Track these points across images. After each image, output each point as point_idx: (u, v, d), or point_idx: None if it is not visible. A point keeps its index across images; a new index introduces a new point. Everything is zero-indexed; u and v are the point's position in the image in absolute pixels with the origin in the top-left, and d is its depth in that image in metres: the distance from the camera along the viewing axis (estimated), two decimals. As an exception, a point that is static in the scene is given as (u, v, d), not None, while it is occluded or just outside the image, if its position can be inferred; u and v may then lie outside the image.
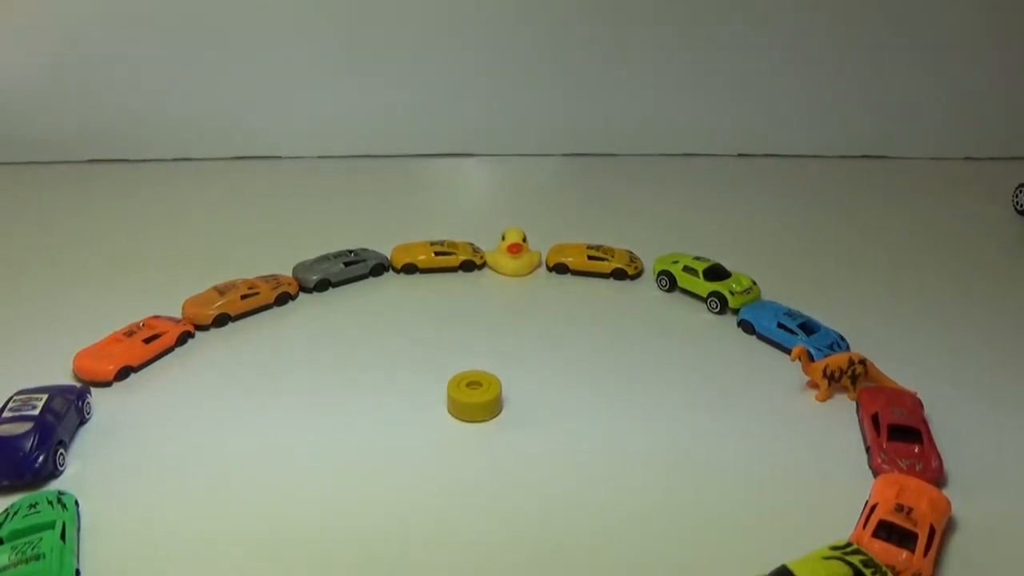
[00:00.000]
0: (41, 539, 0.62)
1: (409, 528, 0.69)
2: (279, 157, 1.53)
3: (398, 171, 1.50)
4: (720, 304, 1.02)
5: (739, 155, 1.59)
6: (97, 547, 0.65)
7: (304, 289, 1.06)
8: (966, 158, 1.60)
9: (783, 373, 0.89)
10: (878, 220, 1.33)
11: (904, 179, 1.51)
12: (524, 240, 1.12)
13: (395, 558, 0.66)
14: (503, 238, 1.12)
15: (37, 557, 0.61)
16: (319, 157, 1.54)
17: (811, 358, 0.87)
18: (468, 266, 1.12)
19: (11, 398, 0.78)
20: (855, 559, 0.60)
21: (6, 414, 0.75)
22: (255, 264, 1.07)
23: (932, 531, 0.64)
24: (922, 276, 1.14)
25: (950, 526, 0.69)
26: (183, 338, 0.93)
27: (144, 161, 1.49)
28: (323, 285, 1.06)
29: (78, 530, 0.66)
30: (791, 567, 0.59)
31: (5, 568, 0.60)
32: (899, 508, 0.65)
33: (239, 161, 1.51)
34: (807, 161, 1.57)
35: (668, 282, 1.07)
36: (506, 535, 0.68)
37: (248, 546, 0.67)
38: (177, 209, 1.32)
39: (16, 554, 0.61)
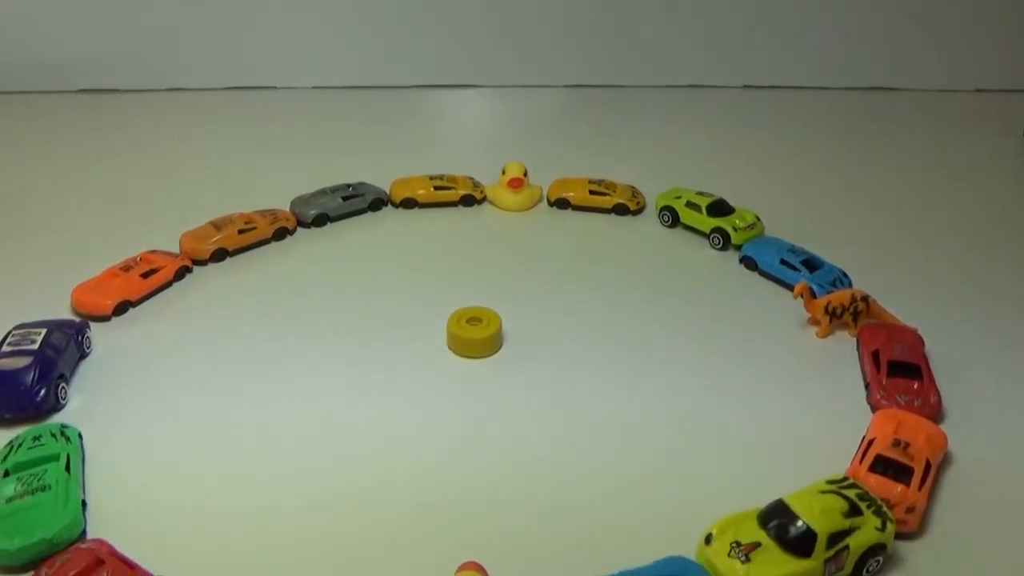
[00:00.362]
0: (46, 471, 0.63)
1: (407, 462, 0.69)
2: (274, 88, 1.49)
3: (396, 103, 1.47)
4: (723, 240, 1.01)
5: (744, 87, 1.55)
6: (102, 478, 0.66)
7: (302, 224, 1.04)
8: (976, 90, 1.56)
9: (785, 310, 0.88)
10: (885, 154, 1.31)
11: (913, 111, 1.48)
12: (525, 174, 1.10)
13: (392, 490, 0.67)
14: (504, 172, 1.11)
15: (43, 488, 0.61)
16: (315, 88, 1.50)
17: (813, 295, 0.86)
18: (468, 201, 1.11)
19: (9, 332, 0.78)
20: (851, 493, 0.61)
21: (5, 348, 0.75)
22: (252, 198, 1.05)
23: (928, 465, 0.65)
24: (929, 211, 1.13)
25: (946, 460, 0.69)
26: (181, 273, 0.93)
27: (136, 91, 1.45)
28: (321, 220, 1.05)
29: (82, 462, 0.67)
30: (788, 500, 0.59)
31: (12, 499, 0.60)
32: (896, 443, 0.66)
33: (233, 92, 1.47)
34: (814, 93, 1.54)
35: (670, 218, 1.06)
36: (505, 470, 0.69)
37: (247, 474, 0.67)
38: (171, 141, 1.30)
39: (22, 485, 0.61)
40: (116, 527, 0.62)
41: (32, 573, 0.56)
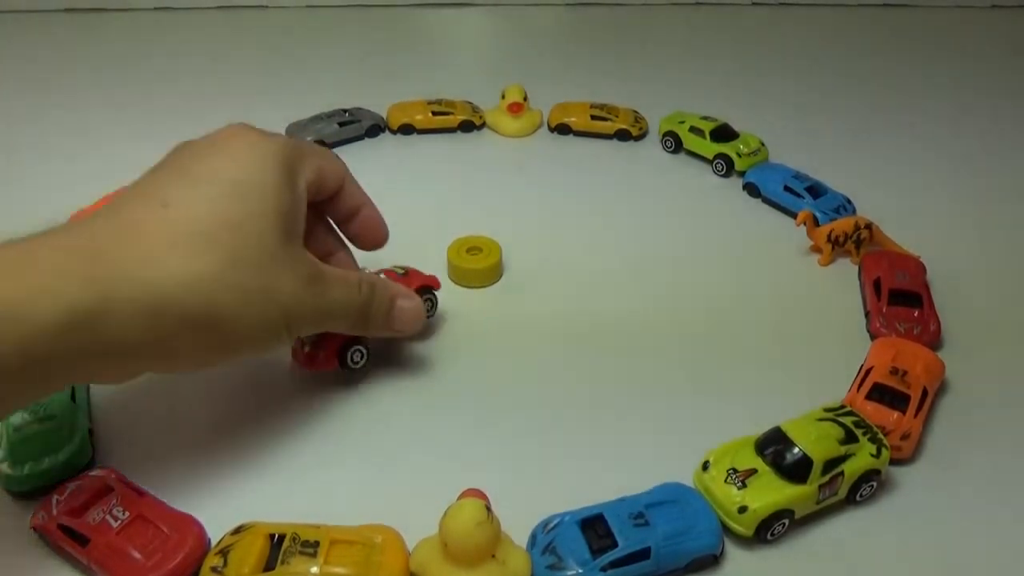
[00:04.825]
0: (52, 401, 0.63)
1: (404, 397, 0.70)
2: (265, 7, 1.44)
3: (391, 22, 1.42)
4: (726, 167, 0.99)
5: (753, 3, 1.50)
6: (107, 408, 0.67)
7: (298, 150, 1.02)
8: (993, 6, 1.50)
9: (788, 237, 0.88)
10: (896, 75, 1.27)
11: (926, 29, 1.43)
12: (525, 99, 1.08)
13: (384, 420, 0.68)
14: (503, 96, 1.08)
15: (50, 417, 0.62)
16: (308, 7, 1.45)
17: (817, 223, 0.85)
18: (467, 126, 1.08)
19: (7, 263, 0.77)
20: (847, 420, 0.62)
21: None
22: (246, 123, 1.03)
23: (925, 392, 0.66)
24: (939, 136, 1.10)
25: (943, 387, 0.70)
26: (177, 202, 0.92)
27: (122, 11, 1.40)
28: (318, 146, 1.03)
29: (87, 391, 0.68)
30: (785, 428, 0.60)
31: (19, 428, 0.61)
32: (894, 371, 0.66)
33: (223, 11, 1.43)
34: (824, 10, 1.48)
35: (673, 143, 1.04)
36: (503, 399, 0.70)
37: (251, 400, 0.68)
38: (159, 63, 1.26)
39: (29, 414, 0.62)
40: (123, 455, 0.63)
41: (43, 500, 0.57)
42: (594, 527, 0.55)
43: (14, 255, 0.49)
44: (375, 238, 0.71)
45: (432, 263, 0.82)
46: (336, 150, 1.03)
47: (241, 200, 0.55)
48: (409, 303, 0.67)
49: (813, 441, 0.58)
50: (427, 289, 0.74)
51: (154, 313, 0.51)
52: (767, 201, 0.94)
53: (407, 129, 1.07)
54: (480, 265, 0.81)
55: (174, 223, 0.53)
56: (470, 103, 1.10)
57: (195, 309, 0.53)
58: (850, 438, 0.60)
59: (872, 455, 0.60)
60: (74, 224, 0.55)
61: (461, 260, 0.81)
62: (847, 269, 0.84)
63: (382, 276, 0.70)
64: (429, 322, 0.76)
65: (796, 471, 0.58)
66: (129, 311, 0.50)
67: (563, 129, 1.08)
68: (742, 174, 0.98)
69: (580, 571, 0.53)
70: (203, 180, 0.56)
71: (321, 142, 1.03)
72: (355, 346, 0.69)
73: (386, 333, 0.67)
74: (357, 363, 0.69)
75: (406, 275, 0.74)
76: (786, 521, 0.58)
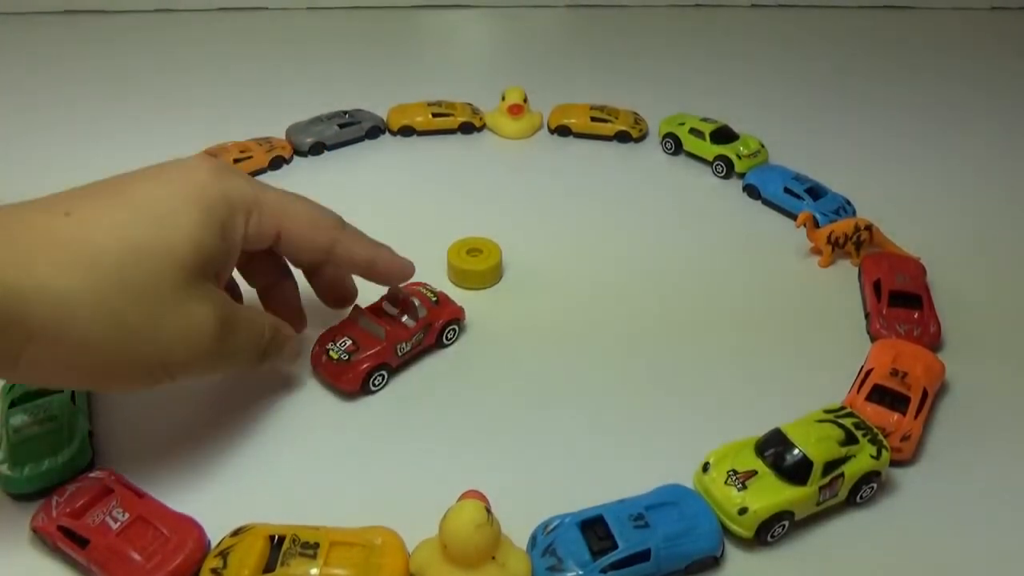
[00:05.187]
0: (52, 402, 0.63)
1: (403, 399, 0.70)
2: (265, 8, 1.44)
3: (392, 24, 1.42)
4: (726, 168, 0.99)
5: (752, 6, 1.50)
6: (107, 410, 0.67)
7: (298, 152, 1.02)
8: (992, 8, 1.50)
9: (787, 239, 0.88)
10: (896, 76, 1.27)
11: (926, 31, 1.43)
12: (525, 100, 1.08)
13: (393, 423, 0.68)
14: (503, 98, 1.08)
15: (50, 418, 0.62)
16: (308, 9, 1.45)
17: (817, 224, 0.85)
18: (467, 128, 1.09)
19: (8, 265, 0.77)
20: (847, 422, 0.61)
21: None
22: (245, 125, 1.03)
23: (925, 394, 0.66)
24: (939, 137, 1.11)
25: (943, 389, 0.70)
26: (177, 203, 0.92)
27: (122, 12, 1.40)
28: (317, 148, 1.03)
29: (87, 393, 0.68)
30: (785, 429, 0.60)
31: (20, 429, 0.61)
32: (894, 372, 0.66)
33: (223, 13, 1.43)
34: (824, 12, 1.48)
35: (673, 145, 1.04)
36: (504, 401, 0.70)
37: (252, 401, 0.68)
38: (160, 65, 1.26)
39: (30, 416, 0.62)
40: (123, 457, 0.63)
41: (43, 501, 0.57)
42: (594, 529, 0.55)
43: None
44: (341, 301, 0.70)
45: (432, 264, 0.82)
46: (336, 152, 1.04)
47: (152, 227, 0.51)
48: (293, 340, 0.65)
49: (813, 443, 0.58)
50: (453, 320, 0.74)
51: (5, 317, 0.46)
52: (767, 203, 0.94)
53: (407, 131, 1.07)
54: (480, 267, 0.81)
55: (64, 233, 0.49)
56: (470, 105, 1.10)
57: (50, 323, 0.48)
58: (850, 440, 0.60)
59: (872, 457, 0.60)
60: None
61: (461, 261, 0.81)
62: (847, 271, 0.84)
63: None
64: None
65: (796, 473, 0.58)
66: None
67: (563, 131, 1.08)
68: (742, 176, 0.98)
69: (580, 573, 0.53)
70: (119, 201, 0.52)
71: (321, 144, 1.03)
72: (379, 371, 0.68)
73: (265, 368, 0.64)
74: (377, 387, 0.69)
75: (437, 303, 0.73)
76: (786, 523, 0.58)
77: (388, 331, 0.69)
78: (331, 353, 0.68)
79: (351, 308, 0.72)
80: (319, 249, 0.63)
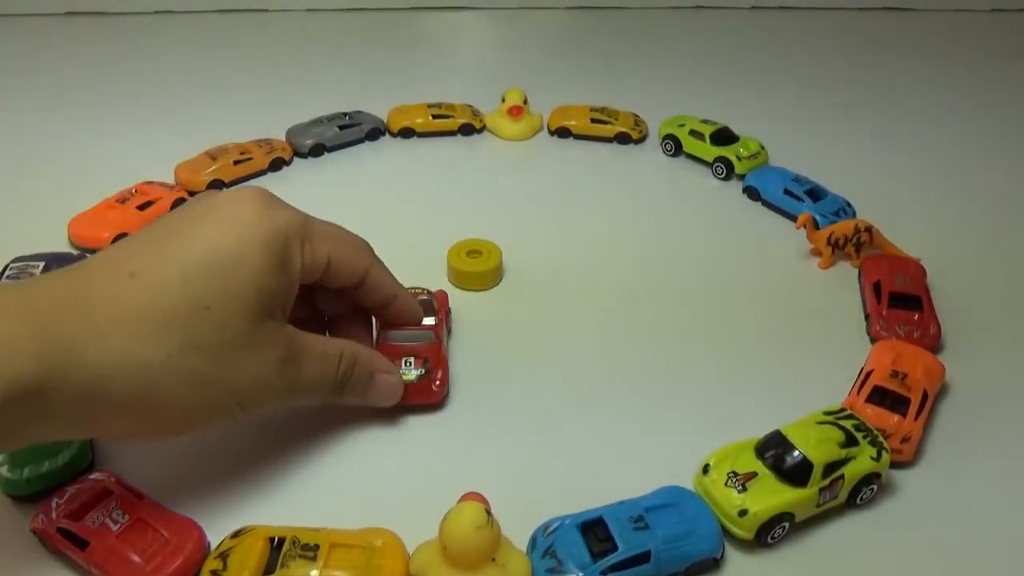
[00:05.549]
0: (51, 404, 0.63)
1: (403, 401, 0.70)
2: (266, 10, 1.45)
3: (392, 26, 1.42)
4: (726, 170, 0.99)
5: (752, 8, 1.50)
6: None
7: (298, 154, 1.03)
8: (993, 10, 1.51)
9: (787, 240, 0.88)
10: (896, 79, 1.28)
11: (926, 33, 1.43)
12: (525, 102, 1.08)
13: (393, 425, 0.68)
14: (503, 100, 1.08)
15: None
16: (308, 10, 1.45)
17: (816, 226, 0.85)
18: (467, 130, 1.09)
19: (7, 265, 0.77)
20: (847, 423, 0.61)
21: (4, 281, 0.75)
22: (246, 127, 1.03)
23: (925, 396, 0.66)
24: (939, 139, 1.11)
25: (943, 390, 0.70)
26: (177, 204, 0.92)
27: (123, 14, 1.41)
28: (318, 150, 1.03)
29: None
30: (785, 431, 0.60)
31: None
32: (894, 374, 0.66)
33: (223, 15, 1.43)
34: (824, 13, 1.49)
35: (673, 147, 1.04)
36: (503, 402, 0.70)
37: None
38: (160, 67, 1.26)
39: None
40: (122, 459, 0.63)
41: (43, 503, 0.57)
42: (594, 531, 0.55)
43: None
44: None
45: (432, 266, 0.82)
46: (336, 154, 1.04)
47: (214, 280, 0.52)
48: (390, 379, 0.65)
49: (813, 444, 0.58)
50: (446, 304, 0.74)
51: (88, 393, 0.48)
52: (767, 204, 0.94)
53: (407, 132, 1.07)
54: (480, 268, 0.81)
55: (133, 300, 0.50)
56: (470, 106, 1.10)
57: (132, 393, 0.50)
58: (850, 441, 0.60)
59: (872, 458, 0.60)
60: (36, 282, 0.54)
61: (461, 263, 0.81)
62: (847, 272, 0.84)
63: (371, 348, 0.66)
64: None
65: (796, 474, 0.58)
66: (67, 390, 0.48)
67: (563, 132, 1.08)
68: (742, 177, 0.98)
69: (580, 575, 0.53)
70: (179, 255, 0.53)
71: (321, 145, 1.03)
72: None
73: (359, 403, 0.64)
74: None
75: (428, 294, 0.73)
76: (786, 524, 0.58)
77: (433, 330, 0.69)
78: (404, 377, 0.66)
79: (377, 335, 0.70)
80: (357, 274, 0.63)
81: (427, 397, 0.67)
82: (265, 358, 0.55)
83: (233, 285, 0.53)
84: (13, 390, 0.46)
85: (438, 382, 0.67)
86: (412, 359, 0.67)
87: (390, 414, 0.68)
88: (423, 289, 0.74)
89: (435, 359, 0.68)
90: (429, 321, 0.70)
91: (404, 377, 0.66)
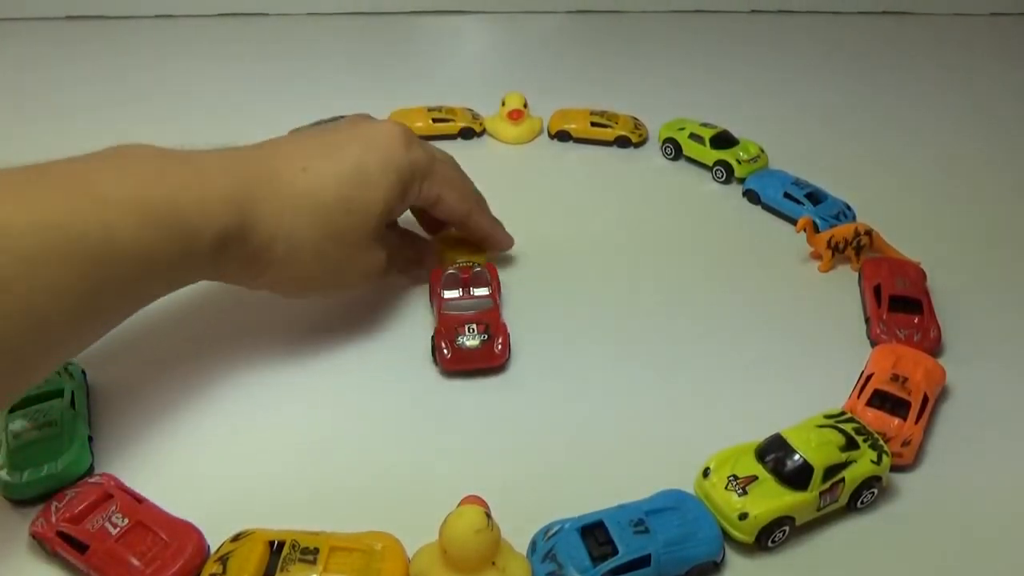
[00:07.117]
0: (51, 407, 0.63)
1: (404, 399, 0.70)
2: (266, 14, 1.45)
3: (392, 29, 1.43)
4: (726, 173, 0.99)
5: (752, 11, 1.51)
6: (106, 415, 0.67)
7: (299, 157, 1.03)
8: (991, 14, 1.51)
9: (787, 244, 0.88)
10: (895, 82, 1.28)
11: (925, 37, 1.43)
12: (525, 106, 1.08)
13: (387, 424, 0.68)
14: (503, 103, 1.08)
15: (49, 424, 0.62)
16: (308, 14, 1.46)
17: (816, 229, 0.86)
18: (467, 133, 1.09)
19: (8, 270, 0.77)
20: (848, 427, 0.61)
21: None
22: (246, 132, 1.02)
23: (925, 399, 0.66)
24: (937, 143, 1.11)
25: (944, 394, 0.70)
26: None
27: (123, 18, 1.41)
28: (318, 153, 1.03)
29: (87, 397, 0.68)
30: (785, 435, 0.60)
31: (19, 434, 0.61)
32: (894, 378, 0.66)
33: (224, 18, 1.43)
34: (823, 17, 1.49)
35: (673, 150, 1.04)
36: (502, 407, 0.69)
37: (253, 407, 0.68)
38: (160, 71, 1.26)
39: (29, 421, 0.62)
40: (122, 462, 0.63)
41: (43, 507, 0.57)
42: (594, 534, 0.55)
43: (194, 170, 0.60)
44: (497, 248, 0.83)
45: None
46: (336, 157, 1.04)
47: (359, 188, 0.66)
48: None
49: (814, 448, 0.58)
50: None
51: (256, 248, 0.63)
52: (767, 208, 0.95)
53: (407, 136, 1.08)
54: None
55: (303, 187, 0.64)
56: (470, 110, 1.10)
57: (280, 258, 0.64)
58: (851, 445, 0.60)
59: (873, 462, 0.60)
60: (235, 152, 0.66)
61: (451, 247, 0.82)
62: (847, 275, 0.85)
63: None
64: (423, 329, 0.76)
65: (797, 478, 0.58)
66: (248, 243, 0.62)
67: (563, 136, 1.08)
68: (742, 181, 0.98)
69: (580, 578, 0.53)
70: (337, 160, 0.66)
71: (322, 149, 1.03)
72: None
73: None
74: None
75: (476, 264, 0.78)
76: (787, 528, 0.58)
77: (491, 296, 0.74)
78: (467, 343, 0.70)
79: (440, 304, 0.74)
80: (458, 218, 0.78)
81: (490, 360, 0.71)
82: (377, 260, 0.70)
83: (370, 195, 0.67)
84: (223, 235, 0.60)
85: (500, 345, 0.71)
86: (474, 325, 0.71)
87: (388, 415, 0.68)
88: (474, 262, 0.78)
89: (495, 324, 0.72)
90: (483, 292, 0.74)
91: (468, 343, 0.71)
